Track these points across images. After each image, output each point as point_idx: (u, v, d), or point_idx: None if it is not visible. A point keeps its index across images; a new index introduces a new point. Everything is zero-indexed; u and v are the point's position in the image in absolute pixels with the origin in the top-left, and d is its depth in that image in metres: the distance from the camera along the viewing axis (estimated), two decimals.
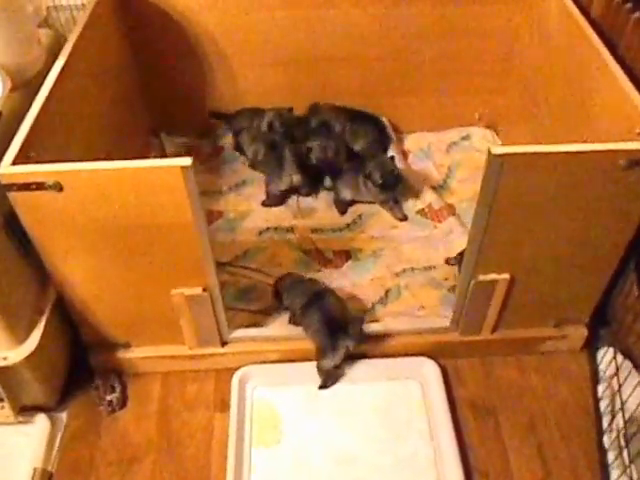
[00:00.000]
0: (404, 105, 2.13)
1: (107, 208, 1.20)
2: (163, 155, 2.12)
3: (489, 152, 1.14)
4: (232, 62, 1.98)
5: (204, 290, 1.38)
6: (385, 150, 2.07)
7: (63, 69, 1.38)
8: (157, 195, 1.18)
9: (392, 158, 1.91)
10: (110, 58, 1.76)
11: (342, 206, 1.95)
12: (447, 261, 1.78)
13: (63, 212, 1.19)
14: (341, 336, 1.48)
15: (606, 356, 1.53)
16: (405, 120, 2.17)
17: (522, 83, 1.97)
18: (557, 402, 1.54)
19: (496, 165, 1.15)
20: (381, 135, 2.09)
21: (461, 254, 1.70)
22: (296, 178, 1.92)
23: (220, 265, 1.77)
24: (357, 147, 2.06)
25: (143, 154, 2.06)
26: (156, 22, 1.87)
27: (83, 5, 1.79)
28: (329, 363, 1.50)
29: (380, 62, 2.00)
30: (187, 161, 1.13)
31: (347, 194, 1.95)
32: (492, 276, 1.39)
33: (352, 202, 1.97)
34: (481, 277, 1.39)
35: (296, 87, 2.03)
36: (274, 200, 1.97)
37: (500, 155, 1.14)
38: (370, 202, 1.95)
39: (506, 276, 1.39)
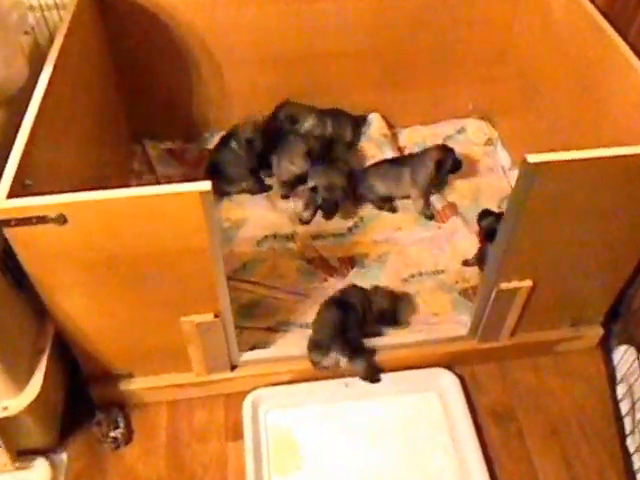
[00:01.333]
0: (398, 99, 2.06)
1: (116, 238, 1.10)
2: (147, 162, 2.00)
3: (524, 161, 1.07)
4: (220, 61, 1.86)
5: (216, 316, 1.29)
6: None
7: (49, 82, 1.26)
8: (173, 222, 1.09)
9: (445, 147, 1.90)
10: (92, 63, 1.63)
11: (332, 207, 1.81)
12: (465, 263, 1.72)
13: (66, 245, 1.08)
14: (340, 348, 1.42)
15: (625, 355, 1.50)
16: (399, 114, 2.10)
17: (519, 71, 1.92)
18: (576, 403, 1.52)
19: (530, 174, 1.09)
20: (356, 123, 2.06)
21: (480, 253, 1.65)
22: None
23: None
24: (349, 137, 2.01)
25: (125, 163, 1.95)
26: (138, 20, 1.73)
27: (56, 5, 1.64)
28: (316, 358, 1.45)
29: (373, 56, 1.92)
30: (206, 185, 1.03)
31: (382, 188, 1.87)
32: (515, 284, 1.34)
33: (388, 199, 1.89)
34: (503, 285, 1.34)
35: (288, 85, 1.93)
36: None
37: (536, 164, 1.07)
38: (404, 197, 1.90)
39: (529, 283, 1.35)
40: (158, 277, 1.19)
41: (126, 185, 1.85)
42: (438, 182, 1.90)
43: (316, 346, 1.45)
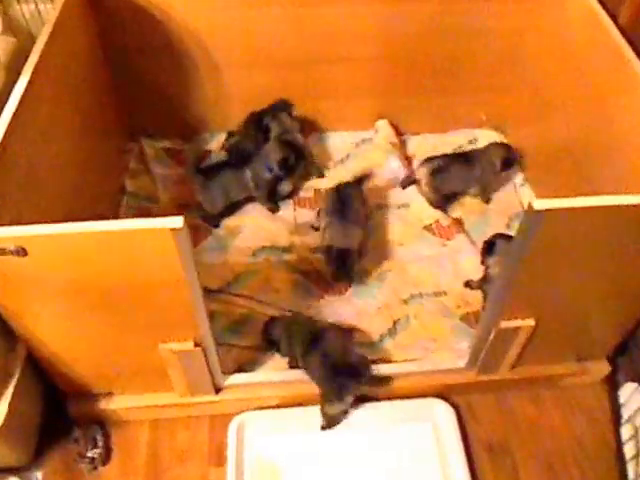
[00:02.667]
0: (406, 106, 1.96)
1: (83, 271, 1.03)
2: (144, 161, 1.93)
3: (529, 206, 0.99)
4: (217, 63, 1.77)
5: (196, 344, 1.22)
6: None
7: (30, 82, 1.20)
8: (143, 257, 1.02)
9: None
10: (82, 60, 1.55)
11: (344, 275, 1.63)
12: (468, 284, 1.64)
13: (29, 276, 1.02)
14: (347, 381, 1.34)
15: (635, 394, 1.41)
16: (408, 121, 2.00)
17: (532, 83, 1.82)
18: (576, 439, 1.44)
19: (535, 220, 1.00)
20: None
21: (484, 277, 1.57)
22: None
23: (209, 293, 1.62)
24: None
25: (121, 162, 1.88)
26: (131, 18, 1.65)
27: None
28: (335, 409, 1.37)
29: (379, 62, 1.82)
30: (178, 222, 0.95)
31: (454, 186, 1.81)
32: (516, 322, 1.26)
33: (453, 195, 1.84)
34: (504, 324, 1.26)
35: (288, 90, 1.83)
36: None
37: (542, 211, 0.98)
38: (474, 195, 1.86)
39: (531, 322, 1.26)
40: (132, 306, 1.13)
41: (121, 186, 1.84)
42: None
43: (329, 399, 1.35)
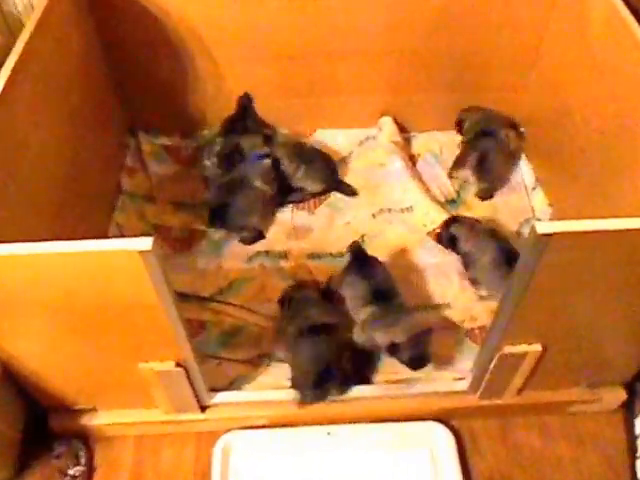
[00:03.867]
0: (412, 103, 1.85)
1: (53, 292, 0.97)
2: (140, 158, 1.85)
3: (532, 230, 0.89)
4: (217, 57, 1.69)
5: (178, 365, 1.15)
6: None
7: (12, 74, 1.15)
8: (114, 279, 0.94)
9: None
10: (73, 54, 1.47)
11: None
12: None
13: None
14: (328, 384, 1.27)
15: None
16: (414, 118, 1.89)
17: (549, 82, 1.70)
18: (586, 475, 1.34)
19: (540, 244, 0.90)
20: None
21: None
22: None
23: (201, 300, 1.55)
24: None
25: (117, 158, 1.80)
26: (129, 11, 1.56)
27: None
28: (304, 398, 1.29)
29: (385, 57, 1.71)
30: (146, 244, 0.87)
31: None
32: (521, 348, 1.17)
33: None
34: (508, 349, 1.16)
35: (290, 85, 1.74)
36: None
37: (546, 235, 0.88)
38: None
39: (537, 347, 1.17)
40: (108, 328, 1.06)
41: (117, 184, 1.77)
42: None
43: (301, 392, 1.28)
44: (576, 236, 0.90)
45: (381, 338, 1.31)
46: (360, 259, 1.47)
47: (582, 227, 0.89)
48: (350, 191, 1.79)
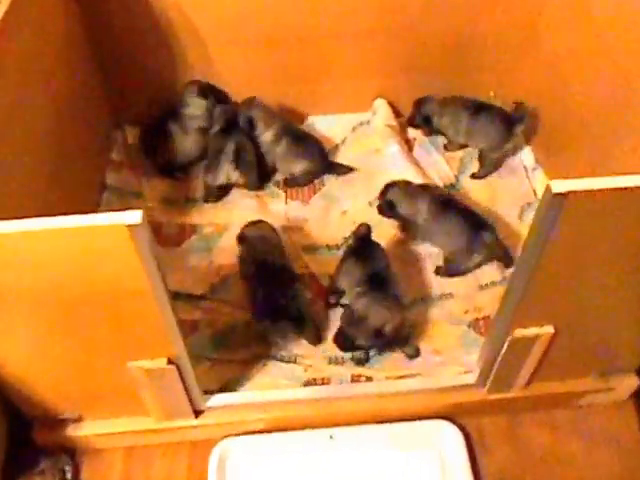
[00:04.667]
0: (408, 84, 1.78)
1: (35, 277, 0.89)
2: (127, 152, 1.76)
3: (547, 190, 0.82)
4: (206, 41, 1.62)
5: (170, 362, 1.07)
6: None
7: None
8: (99, 260, 0.87)
9: None
10: (54, 40, 1.40)
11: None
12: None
13: None
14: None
15: None
16: (409, 101, 1.80)
17: (548, 61, 1.63)
18: (600, 471, 1.27)
19: (555, 206, 0.83)
20: None
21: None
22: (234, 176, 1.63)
23: (192, 299, 1.47)
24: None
25: (102, 153, 1.72)
26: None
27: None
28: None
29: (377, 37, 1.65)
30: (135, 217, 0.80)
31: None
32: (533, 330, 1.10)
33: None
34: (519, 332, 1.09)
35: (283, 69, 1.68)
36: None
37: (563, 194, 0.81)
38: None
39: (549, 329, 1.10)
40: (95, 319, 0.97)
41: (102, 179, 1.68)
42: None
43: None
44: (593, 195, 0.82)
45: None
46: (364, 244, 1.43)
47: (600, 184, 0.82)
48: (345, 170, 1.71)
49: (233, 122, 1.65)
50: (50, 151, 1.35)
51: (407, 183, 1.58)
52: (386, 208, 1.55)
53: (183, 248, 1.57)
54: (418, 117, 1.73)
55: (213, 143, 1.65)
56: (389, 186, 1.56)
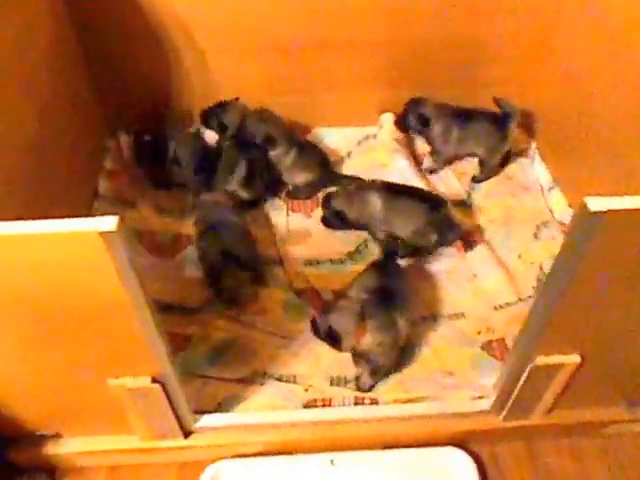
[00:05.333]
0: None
1: (7, 287, 0.80)
2: (121, 160, 1.70)
3: (583, 207, 0.74)
4: (203, 49, 1.57)
5: (154, 381, 0.98)
6: None
7: None
8: (73, 268, 0.78)
9: None
10: (42, 41, 1.34)
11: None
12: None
13: None
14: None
15: None
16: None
17: (566, 72, 1.57)
18: None
19: (590, 226, 0.75)
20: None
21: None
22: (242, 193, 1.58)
23: (186, 312, 1.38)
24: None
25: (95, 161, 1.65)
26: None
27: None
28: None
29: (384, 47, 1.60)
30: (110, 223, 0.71)
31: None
32: (557, 358, 1.01)
33: None
34: (541, 360, 1.00)
35: (282, 80, 1.63)
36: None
37: (600, 213, 0.73)
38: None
39: (575, 358, 1.01)
40: (70, 332, 0.89)
41: (94, 189, 1.61)
42: None
43: None
44: (633, 215, 0.74)
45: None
46: (388, 259, 1.37)
47: None
48: (349, 181, 1.63)
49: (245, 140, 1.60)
50: (31, 158, 1.27)
51: (344, 188, 1.55)
52: (335, 220, 1.51)
53: (178, 259, 1.49)
54: (412, 117, 1.65)
55: (225, 158, 1.58)
56: (330, 198, 1.52)
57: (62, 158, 1.43)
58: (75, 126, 1.51)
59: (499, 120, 1.60)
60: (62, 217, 1.35)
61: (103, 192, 1.62)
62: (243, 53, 1.58)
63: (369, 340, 1.17)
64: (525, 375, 1.03)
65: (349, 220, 1.50)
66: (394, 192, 1.48)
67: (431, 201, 1.46)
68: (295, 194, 1.64)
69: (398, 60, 1.63)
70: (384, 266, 1.33)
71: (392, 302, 1.23)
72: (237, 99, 1.61)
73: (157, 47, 1.56)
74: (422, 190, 1.54)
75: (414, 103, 1.64)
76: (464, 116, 1.62)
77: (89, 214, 1.54)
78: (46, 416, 1.11)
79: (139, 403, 1.02)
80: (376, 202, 1.46)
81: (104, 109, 1.66)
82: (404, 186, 1.52)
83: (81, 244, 0.73)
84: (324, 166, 1.64)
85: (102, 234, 0.71)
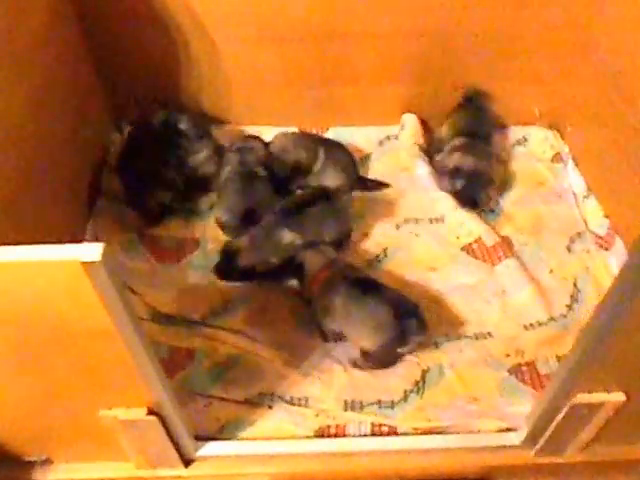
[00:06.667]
0: (440, 95, 1.61)
1: None
2: None
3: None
4: (213, 37, 1.46)
5: (150, 412, 0.88)
6: None
7: None
8: (55, 297, 0.69)
9: None
10: (36, 25, 1.23)
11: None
12: None
13: None
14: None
15: None
16: (441, 114, 1.62)
17: (606, 71, 1.45)
18: None
19: None
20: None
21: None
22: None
23: (190, 324, 1.29)
24: None
25: (98, 157, 1.55)
26: None
27: None
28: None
29: (407, 40, 1.48)
30: (93, 252, 0.62)
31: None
32: (599, 396, 0.90)
33: None
34: (582, 397, 0.90)
35: (298, 73, 1.52)
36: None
37: None
38: None
39: (620, 396, 0.90)
40: (57, 360, 0.80)
41: (96, 185, 1.52)
42: None
43: None
44: None
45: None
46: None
47: None
48: (376, 186, 1.52)
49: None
50: (25, 151, 1.18)
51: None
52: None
53: (182, 265, 1.40)
54: None
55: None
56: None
57: (60, 151, 1.33)
58: (75, 117, 1.41)
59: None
60: (61, 212, 1.28)
61: (106, 189, 1.52)
62: (254, 42, 1.47)
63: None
64: (563, 412, 0.92)
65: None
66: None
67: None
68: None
69: (423, 53, 1.51)
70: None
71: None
72: (256, 138, 1.51)
73: (163, 37, 1.46)
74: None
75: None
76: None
77: (91, 211, 1.46)
78: (35, 441, 1.02)
79: (134, 434, 0.92)
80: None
81: (108, 100, 1.57)
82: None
83: (63, 273, 0.64)
84: (353, 167, 1.52)
85: (85, 264, 0.62)
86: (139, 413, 0.88)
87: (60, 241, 1.19)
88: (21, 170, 1.17)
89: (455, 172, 1.47)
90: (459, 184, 1.46)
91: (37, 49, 1.23)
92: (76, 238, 1.38)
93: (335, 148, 1.52)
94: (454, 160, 1.48)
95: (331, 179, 1.48)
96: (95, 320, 0.70)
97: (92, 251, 0.62)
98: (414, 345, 1.19)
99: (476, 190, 1.46)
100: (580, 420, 0.95)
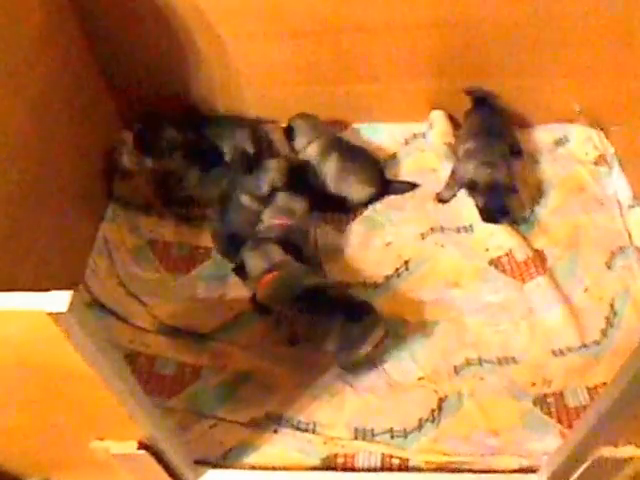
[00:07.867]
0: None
1: None
2: (138, 156, 1.55)
3: None
4: (221, 31, 1.40)
5: (141, 446, 0.84)
6: None
7: None
8: (29, 344, 0.65)
9: None
10: (37, 25, 1.20)
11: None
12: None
13: None
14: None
15: None
16: None
17: None
18: None
19: None
20: None
21: None
22: None
23: (198, 339, 1.25)
24: None
25: (109, 159, 1.50)
26: None
27: None
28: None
29: (434, 31, 1.38)
30: (60, 303, 0.58)
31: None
32: (626, 450, 0.81)
33: None
34: (607, 451, 0.81)
35: (314, 68, 1.44)
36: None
37: None
38: None
39: None
40: (39, 401, 0.77)
41: (107, 190, 1.47)
42: None
43: None
44: None
45: None
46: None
47: None
48: (404, 187, 1.45)
49: None
50: (28, 156, 1.16)
51: None
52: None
53: (193, 275, 1.36)
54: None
55: None
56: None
57: (65, 155, 1.30)
58: (81, 119, 1.38)
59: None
60: (70, 217, 1.23)
61: (118, 194, 1.48)
62: (267, 37, 1.40)
63: None
64: (585, 465, 0.84)
65: None
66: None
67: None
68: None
69: (449, 45, 1.41)
70: None
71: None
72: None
73: (168, 33, 1.40)
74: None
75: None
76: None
77: (102, 217, 1.43)
78: (34, 464, 1.00)
79: (127, 466, 0.89)
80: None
81: (117, 101, 1.52)
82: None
83: (31, 322, 0.60)
84: (380, 174, 1.46)
85: (52, 314, 0.57)
86: (130, 447, 0.84)
87: (73, 247, 1.16)
88: (26, 174, 1.15)
89: (472, 186, 1.35)
90: (479, 202, 1.34)
91: (38, 51, 1.20)
92: (85, 246, 1.35)
93: (356, 155, 1.44)
94: (469, 172, 1.36)
95: (355, 192, 1.42)
96: (72, 365, 0.66)
97: (58, 301, 0.58)
98: (375, 341, 1.14)
99: (497, 206, 1.33)
100: (604, 473, 0.86)
